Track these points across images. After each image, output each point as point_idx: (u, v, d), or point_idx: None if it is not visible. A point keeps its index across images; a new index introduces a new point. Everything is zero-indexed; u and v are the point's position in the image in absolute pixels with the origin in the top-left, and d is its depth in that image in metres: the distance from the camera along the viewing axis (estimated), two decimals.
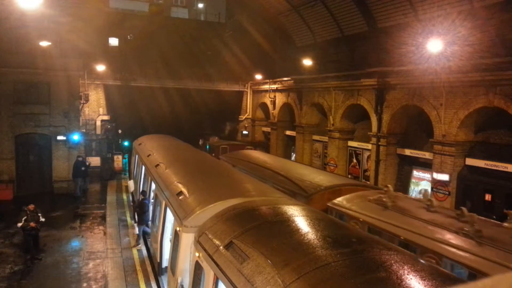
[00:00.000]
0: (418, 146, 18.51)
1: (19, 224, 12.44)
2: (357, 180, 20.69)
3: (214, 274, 6.04)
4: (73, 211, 18.22)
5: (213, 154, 24.31)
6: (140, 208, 13.89)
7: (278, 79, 29.38)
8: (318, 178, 12.54)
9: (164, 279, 9.86)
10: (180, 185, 9.69)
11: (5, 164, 20.26)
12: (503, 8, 14.60)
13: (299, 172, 13.46)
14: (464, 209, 8.29)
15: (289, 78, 27.53)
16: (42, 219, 12.90)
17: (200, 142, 33.77)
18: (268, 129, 32.30)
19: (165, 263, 9.91)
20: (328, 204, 10.44)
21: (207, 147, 31.15)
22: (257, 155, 18.29)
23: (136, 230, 14.30)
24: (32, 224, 12.39)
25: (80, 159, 20.98)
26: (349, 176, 22.11)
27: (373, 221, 9.07)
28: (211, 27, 38.84)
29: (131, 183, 15.55)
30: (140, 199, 14.32)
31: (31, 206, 12.68)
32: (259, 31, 31.45)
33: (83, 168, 20.78)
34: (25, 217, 12.43)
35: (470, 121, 15.43)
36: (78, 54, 22.25)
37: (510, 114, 13.65)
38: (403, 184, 19.31)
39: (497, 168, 14.66)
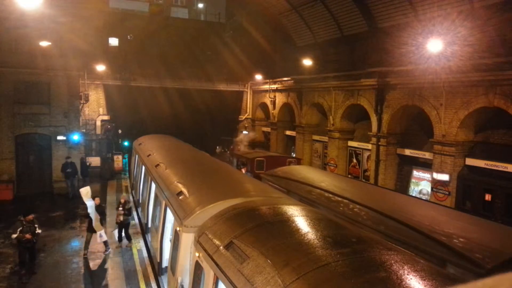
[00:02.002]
0: (418, 146, 18.52)
1: (14, 236, 11.34)
2: (357, 179, 20.65)
3: (214, 274, 6.04)
4: (73, 211, 18.22)
5: (243, 169, 19.82)
6: (102, 214, 13.47)
7: (278, 79, 29.38)
8: (472, 229, 7.67)
9: (164, 279, 9.86)
10: (180, 185, 9.69)
11: (5, 164, 20.25)
12: (503, 8, 14.60)
13: (428, 217, 8.25)
14: None
15: (289, 78, 27.54)
16: (39, 231, 11.77)
17: (217, 149, 28.65)
18: (268, 129, 32.30)
19: (165, 263, 9.91)
20: None
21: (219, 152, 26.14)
22: (323, 176, 13.35)
23: (104, 237, 13.21)
24: (28, 235, 11.31)
25: (69, 160, 20.73)
26: (349, 176, 22.12)
27: None
28: (211, 27, 38.84)
29: (84, 191, 13.29)
30: (97, 203, 13.35)
31: (30, 217, 11.52)
32: (259, 31, 31.46)
33: (68, 170, 20.41)
34: (21, 228, 11.34)
35: (470, 121, 15.43)
36: (78, 54, 22.22)
37: (510, 114, 13.66)
38: (403, 184, 19.32)
39: (497, 168, 14.67)
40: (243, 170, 18.81)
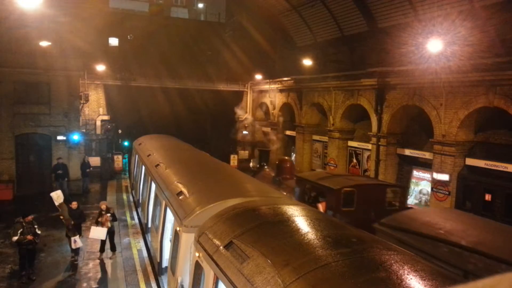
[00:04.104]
0: (418, 146, 18.52)
1: (15, 238, 10.95)
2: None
3: (214, 274, 6.04)
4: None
5: (319, 204, 12.48)
6: (79, 218, 12.96)
7: (278, 79, 29.38)
8: None
9: (164, 279, 9.87)
10: (180, 185, 9.70)
11: (5, 164, 20.24)
12: (503, 8, 14.59)
13: None
14: None
15: (289, 78, 27.53)
16: (39, 232, 11.47)
17: (251, 164, 22.12)
18: (268, 129, 32.29)
19: (165, 263, 9.92)
20: None
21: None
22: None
23: (79, 243, 12.58)
24: (29, 237, 11.00)
25: (60, 161, 20.55)
26: None
27: None
28: (211, 27, 38.84)
29: (55, 195, 12.52)
30: (74, 207, 12.94)
31: (29, 217, 11.20)
32: (259, 31, 31.44)
33: (59, 171, 20.15)
34: (21, 230, 10.96)
35: (470, 121, 15.43)
36: (78, 54, 22.24)
37: (510, 114, 13.66)
38: (403, 184, 19.31)
39: (497, 168, 14.67)
40: (320, 207, 12.14)
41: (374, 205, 11.72)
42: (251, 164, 22.72)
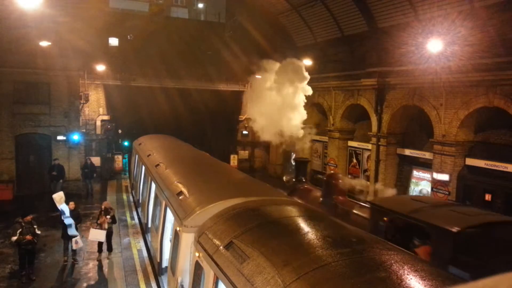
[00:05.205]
0: (418, 146, 18.53)
1: (14, 238, 10.91)
2: (357, 179, 20.57)
3: (214, 274, 6.04)
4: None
5: (420, 249, 8.44)
6: (77, 219, 12.68)
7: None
8: None
9: (164, 279, 9.87)
10: (180, 185, 9.69)
11: (5, 164, 20.25)
12: (503, 8, 14.58)
13: None
14: None
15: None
16: (38, 232, 11.42)
17: (285, 178, 18.55)
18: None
19: (165, 263, 9.91)
20: None
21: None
22: None
23: (80, 243, 12.54)
24: (28, 237, 10.97)
25: (56, 162, 20.47)
26: (349, 176, 22.11)
27: None
28: (211, 27, 38.83)
29: (57, 196, 12.41)
30: (71, 208, 12.58)
31: (29, 217, 11.18)
32: (259, 31, 31.39)
33: (54, 173, 19.99)
34: (20, 230, 10.93)
35: (470, 121, 15.44)
36: (78, 54, 22.23)
37: (510, 114, 13.66)
38: (403, 184, 19.32)
39: (497, 168, 14.68)
40: (420, 253, 8.23)
41: (504, 253, 7.95)
42: (284, 178, 18.67)
